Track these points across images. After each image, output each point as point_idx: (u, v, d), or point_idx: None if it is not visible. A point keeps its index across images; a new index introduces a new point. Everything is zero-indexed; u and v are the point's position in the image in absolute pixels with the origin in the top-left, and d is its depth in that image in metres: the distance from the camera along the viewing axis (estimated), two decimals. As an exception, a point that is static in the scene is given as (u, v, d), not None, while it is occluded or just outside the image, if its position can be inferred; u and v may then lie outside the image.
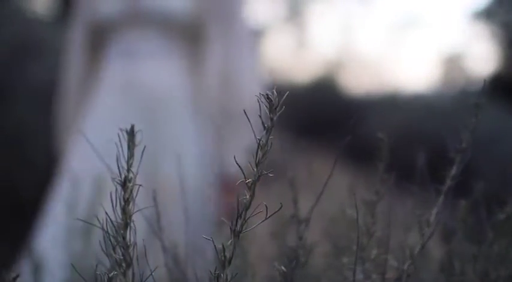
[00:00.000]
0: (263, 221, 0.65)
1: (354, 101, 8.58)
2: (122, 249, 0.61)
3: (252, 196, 0.65)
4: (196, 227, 1.45)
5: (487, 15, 9.63)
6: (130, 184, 0.61)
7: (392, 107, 7.87)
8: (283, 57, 11.73)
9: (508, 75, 9.01)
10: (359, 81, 10.10)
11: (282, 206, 0.61)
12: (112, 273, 0.65)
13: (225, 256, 0.65)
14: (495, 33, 9.61)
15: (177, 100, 1.75)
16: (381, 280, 0.75)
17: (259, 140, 0.64)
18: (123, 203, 0.61)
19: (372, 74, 10.48)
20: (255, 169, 0.64)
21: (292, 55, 11.73)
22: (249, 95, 1.70)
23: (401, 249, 0.83)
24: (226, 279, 0.66)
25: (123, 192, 0.61)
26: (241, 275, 0.84)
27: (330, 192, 0.87)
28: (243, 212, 0.65)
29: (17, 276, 0.70)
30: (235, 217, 0.63)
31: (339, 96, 8.71)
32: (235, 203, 0.63)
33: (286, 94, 0.64)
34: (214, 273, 0.65)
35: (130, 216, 0.61)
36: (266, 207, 0.64)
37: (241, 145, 1.58)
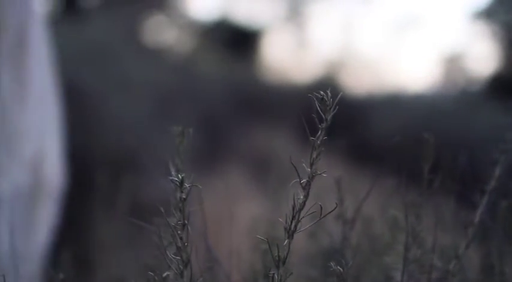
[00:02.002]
0: (317, 221, 0.66)
1: (355, 101, 8.58)
2: (179, 249, 0.61)
3: (307, 196, 0.65)
4: None
5: (487, 15, 9.64)
6: (188, 185, 0.61)
7: (393, 107, 7.89)
8: (283, 57, 11.73)
9: (509, 75, 9.03)
10: (360, 81, 10.11)
11: (337, 205, 0.61)
12: (166, 274, 0.65)
13: (279, 256, 0.66)
14: (496, 33, 9.63)
15: None
16: (426, 280, 0.75)
17: (313, 140, 0.64)
18: (180, 204, 0.61)
19: (373, 74, 10.49)
20: (309, 169, 0.65)
21: (292, 55, 11.72)
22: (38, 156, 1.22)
23: (440, 250, 0.83)
24: (280, 279, 0.66)
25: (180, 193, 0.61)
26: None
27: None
28: (297, 213, 0.65)
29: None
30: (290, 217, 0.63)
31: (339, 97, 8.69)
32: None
33: (340, 95, 0.64)
34: (269, 273, 0.65)
35: (187, 216, 0.61)
36: (321, 207, 0.64)
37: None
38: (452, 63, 10.18)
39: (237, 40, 10.86)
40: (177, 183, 0.62)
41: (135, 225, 0.83)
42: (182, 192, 0.62)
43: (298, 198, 0.64)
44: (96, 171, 1.89)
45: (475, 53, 10.08)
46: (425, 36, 11.61)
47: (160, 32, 10.24)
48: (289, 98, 8.36)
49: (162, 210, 0.61)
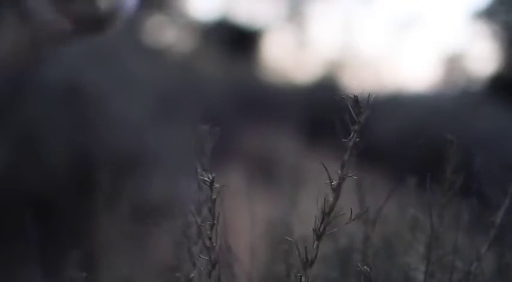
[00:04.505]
0: (347, 223, 0.66)
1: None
2: (208, 250, 0.61)
3: (337, 198, 0.65)
4: None
5: (487, 14, 9.65)
6: (218, 185, 0.61)
7: (393, 107, 7.89)
8: (283, 57, 11.72)
9: (509, 75, 9.04)
10: (360, 81, 10.11)
11: (367, 209, 0.61)
12: (192, 274, 0.65)
13: (306, 258, 0.66)
14: (496, 33, 9.64)
15: None
16: (448, 280, 0.75)
17: (346, 142, 0.64)
18: (209, 204, 0.61)
19: (373, 74, 10.50)
20: (340, 171, 0.65)
21: (292, 55, 11.73)
22: None
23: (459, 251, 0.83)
24: (307, 280, 0.66)
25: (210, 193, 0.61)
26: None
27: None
28: (327, 215, 0.65)
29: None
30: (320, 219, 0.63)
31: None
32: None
33: (373, 96, 0.64)
34: (297, 275, 0.65)
35: (217, 217, 0.61)
36: (351, 210, 0.65)
37: None
38: (453, 63, 10.19)
39: (237, 40, 10.86)
40: (207, 183, 0.62)
41: (139, 225, 0.82)
42: (212, 192, 0.62)
43: (328, 200, 0.64)
44: (99, 171, 1.88)
45: (475, 53, 10.09)
46: (426, 36, 11.61)
47: (160, 32, 10.23)
48: (290, 97, 8.36)
49: (193, 213, 0.61)
